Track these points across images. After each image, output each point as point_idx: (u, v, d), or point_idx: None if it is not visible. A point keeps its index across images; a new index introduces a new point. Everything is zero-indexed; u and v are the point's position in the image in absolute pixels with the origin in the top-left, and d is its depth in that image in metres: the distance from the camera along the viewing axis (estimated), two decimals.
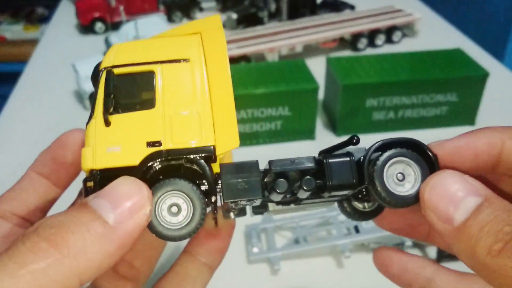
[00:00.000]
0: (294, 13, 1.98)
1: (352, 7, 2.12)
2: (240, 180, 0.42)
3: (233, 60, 1.63)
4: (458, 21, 2.16)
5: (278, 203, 0.47)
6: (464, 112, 1.35)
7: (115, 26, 1.98)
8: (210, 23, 0.44)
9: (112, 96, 0.41)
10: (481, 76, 1.30)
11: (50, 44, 2.01)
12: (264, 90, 1.23)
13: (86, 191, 0.40)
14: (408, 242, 0.93)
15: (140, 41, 0.44)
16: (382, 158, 0.42)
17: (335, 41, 1.82)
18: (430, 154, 0.42)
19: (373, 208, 0.49)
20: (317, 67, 1.42)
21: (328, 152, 0.46)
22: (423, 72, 1.32)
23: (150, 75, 0.42)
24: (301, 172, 0.44)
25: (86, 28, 2.05)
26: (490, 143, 0.41)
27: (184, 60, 0.42)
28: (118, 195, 0.36)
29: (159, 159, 0.40)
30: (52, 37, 2.09)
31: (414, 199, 0.42)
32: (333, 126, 1.36)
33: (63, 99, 1.57)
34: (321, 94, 1.39)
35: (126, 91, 0.42)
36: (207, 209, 0.42)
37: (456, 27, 2.08)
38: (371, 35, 1.86)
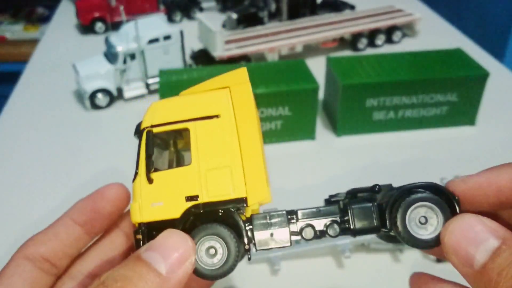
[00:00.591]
0: (294, 13, 1.98)
1: (352, 7, 2.12)
2: (271, 231, 0.47)
3: (233, 60, 1.63)
4: (458, 21, 2.16)
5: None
6: (464, 112, 1.36)
7: (115, 26, 1.97)
8: (237, 76, 0.47)
9: (152, 157, 0.46)
10: (481, 76, 1.30)
11: (50, 44, 2.01)
12: (264, 90, 1.23)
13: (137, 243, 0.45)
14: None
15: (175, 99, 0.48)
16: (404, 204, 0.45)
17: (335, 41, 1.82)
18: (452, 198, 0.45)
19: None
20: (317, 67, 1.42)
21: (352, 195, 0.50)
22: (423, 72, 1.32)
23: (186, 132, 0.46)
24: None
25: (86, 28, 2.06)
26: None
27: (215, 116, 0.46)
28: (167, 247, 0.41)
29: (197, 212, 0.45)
30: (52, 37, 2.09)
31: (436, 242, 0.44)
32: (333, 126, 1.36)
33: (63, 99, 1.57)
34: (321, 94, 1.39)
35: (167, 149, 0.47)
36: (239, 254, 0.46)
37: (456, 27, 2.08)
38: (371, 35, 1.86)
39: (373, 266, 0.96)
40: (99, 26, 2.05)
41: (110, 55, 1.52)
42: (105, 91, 1.49)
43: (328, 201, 0.50)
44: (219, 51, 1.60)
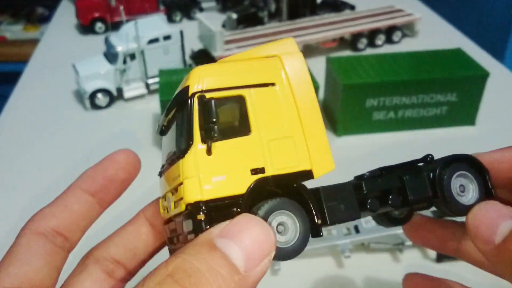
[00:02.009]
0: (294, 13, 1.98)
1: (352, 7, 2.12)
2: (340, 203, 0.44)
3: None
4: (458, 21, 2.16)
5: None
6: (464, 112, 1.35)
7: (115, 26, 1.97)
8: (287, 46, 0.44)
9: (215, 122, 0.39)
10: (481, 76, 1.30)
11: (50, 44, 2.01)
12: None
13: (197, 226, 0.38)
14: (408, 242, 0.93)
15: (220, 64, 0.44)
16: (448, 173, 0.48)
17: (335, 41, 1.82)
18: (483, 168, 0.49)
19: (404, 215, 0.53)
20: (317, 67, 1.42)
21: (395, 168, 0.52)
22: (423, 72, 1.32)
23: (241, 99, 0.41)
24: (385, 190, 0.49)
25: (86, 28, 2.06)
26: None
27: (270, 84, 0.42)
28: (246, 238, 0.35)
29: (266, 186, 0.40)
30: (52, 37, 2.09)
31: None
32: (333, 126, 1.36)
33: (63, 99, 1.57)
34: (321, 94, 1.40)
35: (221, 116, 0.41)
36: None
37: (456, 27, 2.08)
38: (371, 35, 1.86)
39: (373, 266, 0.96)
40: (99, 26, 2.05)
41: (110, 55, 1.52)
42: (105, 91, 1.49)
43: (361, 177, 0.50)
44: (219, 51, 1.60)
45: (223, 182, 0.39)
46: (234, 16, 1.91)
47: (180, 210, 0.40)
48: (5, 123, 1.47)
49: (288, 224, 0.40)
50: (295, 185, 0.42)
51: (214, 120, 0.39)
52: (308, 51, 1.79)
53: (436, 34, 2.00)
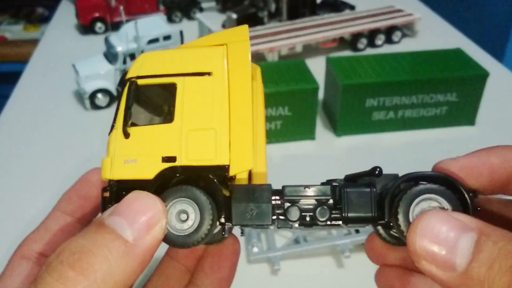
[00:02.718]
0: (294, 13, 1.98)
1: (352, 7, 2.12)
2: (251, 205, 0.41)
3: None
4: (458, 21, 2.16)
5: (299, 225, 0.44)
6: (464, 112, 1.35)
7: (115, 26, 1.97)
8: (237, 34, 0.42)
9: (131, 108, 0.41)
10: (481, 76, 1.30)
11: (50, 44, 2.01)
12: (264, 90, 1.23)
13: (103, 201, 0.41)
14: None
15: (168, 51, 0.44)
16: (409, 194, 0.40)
17: (335, 41, 1.82)
18: (465, 193, 0.40)
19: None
20: (317, 67, 1.42)
21: (350, 180, 0.44)
22: (423, 72, 1.32)
23: (173, 87, 0.41)
24: (317, 200, 0.42)
25: (86, 28, 2.05)
26: (506, 160, 0.40)
27: (207, 73, 0.41)
28: (133, 211, 0.37)
29: (173, 175, 0.40)
30: (52, 37, 2.09)
31: None
32: (333, 126, 1.36)
33: (63, 99, 1.57)
34: (321, 94, 1.39)
35: (148, 103, 0.42)
36: (216, 224, 0.41)
37: (456, 27, 2.08)
38: (371, 35, 1.86)
39: (373, 266, 0.96)
40: (99, 26, 2.05)
41: (110, 55, 1.52)
42: (105, 91, 1.49)
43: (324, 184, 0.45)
44: None
45: (133, 165, 0.41)
46: (234, 16, 1.91)
47: None
48: (5, 123, 1.47)
49: (189, 213, 0.40)
50: (210, 176, 0.40)
51: (130, 105, 0.41)
52: (308, 51, 1.79)
53: (436, 34, 2.00)
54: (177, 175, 0.40)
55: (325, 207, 0.42)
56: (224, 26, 1.95)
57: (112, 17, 2.03)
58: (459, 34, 2.02)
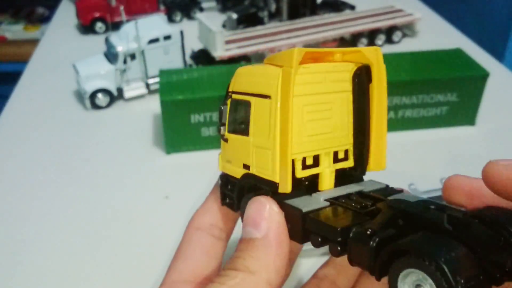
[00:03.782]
0: (294, 13, 1.98)
1: (352, 7, 2.12)
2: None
3: (234, 60, 1.63)
4: (458, 21, 2.16)
5: None
6: (464, 112, 1.35)
7: (115, 26, 1.97)
8: (288, 57, 0.44)
9: (225, 120, 0.50)
10: (481, 76, 1.30)
11: (50, 44, 2.01)
12: None
13: (220, 188, 0.52)
14: None
15: (255, 67, 0.49)
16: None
17: (335, 41, 1.82)
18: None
19: None
20: None
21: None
22: (423, 72, 1.32)
23: (248, 105, 0.48)
24: None
25: (86, 28, 2.05)
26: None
27: (268, 97, 0.45)
28: (251, 217, 0.43)
29: (249, 181, 0.48)
30: (52, 37, 2.09)
31: None
32: None
33: (63, 99, 1.57)
34: None
35: (238, 116, 0.50)
36: None
37: (456, 27, 2.08)
38: (371, 35, 1.86)
39: None
40: (99, 26, 2.05)
41: (110, 55, 1.52)
42: (105, 91, 1.49)
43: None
44: (219, 51, 1.60)
45: (230, 165, 0.50)
46: (234, 16, 1.91)
47: None
48: (5, 123, 1.47)
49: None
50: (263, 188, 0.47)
51: (220, 119, 0.50)
52: None
53: (436, 34, 2.00)
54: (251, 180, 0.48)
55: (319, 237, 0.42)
56: (224, 26, 1.95)
57: (112, 17, 2.03)
58: (459, 34, 2.02)
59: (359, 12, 1.99)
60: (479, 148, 1.30)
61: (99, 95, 1.48)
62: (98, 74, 1.49)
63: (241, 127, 0.49)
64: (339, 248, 0.39)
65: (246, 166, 0.48)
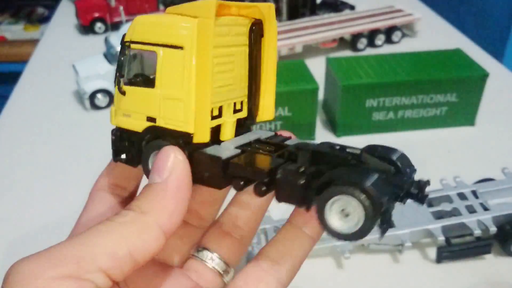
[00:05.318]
0: (294, 13, 1.98)
1: (352, 7, 2.12)
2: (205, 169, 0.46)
3: None
4: (458, 21, 2.16)
5: None
6: (464, 112, 1.36)
7: (115, 26, 1.98)
8: (206, 8, 0.44)
9: (123, 71, 0.48)
10: (481, 76, 1.30)
11: (50, 44, 2.01)
12: None
13: (112, 143, 0.50)
14: (408, 243, 0.93)
15: (157, 16, 0.47)
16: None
17: (335, 41, 1.82)
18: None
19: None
20: (317, 67, 1.42)
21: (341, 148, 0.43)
22: (423, 72, 1.32)
23: (154, 56, 0.46)
24: None
25: (86, 28, 2.05)
26: None
27: (180, 47, 0.44)
28: (156, 165, 0.43)
29: (153, 133, 0.47)
30: (52, 37, 2.09)
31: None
32: (333, 126, 1.36)
33: (63, 99, 1.57)
34: (321, 94, 1.40)
35: (138, 67, 0.48)
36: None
37: (456, 27, 2.08)
38: (371, 35, 1.86)
39: (372, 267, 0.96)
40: (99, 26, 2.05)
41: (110, 55, 1.52)
42: (105, 92, 1.49)
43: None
44: None
45: (128, 119, 0.48)
46: None
47: None
48: (5, 123, 1.47)
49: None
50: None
51: (120, 71, 0.48)
52: (308, 51, 1.79)
53: (436, 34, 2.00)
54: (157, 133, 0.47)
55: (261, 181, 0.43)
56: None
57: (112, 17, 2.03)
58: (459, 34, 2.02)
59: (359, 12, 1.99)
60: (479, 148, 1.30)
61: (99, 96, 1.49)
62: (98, 74, 1.49)
63: (144, 78, 0.48)
64: (264, 189, 0.41)
65: (151, 119, 0.46)
